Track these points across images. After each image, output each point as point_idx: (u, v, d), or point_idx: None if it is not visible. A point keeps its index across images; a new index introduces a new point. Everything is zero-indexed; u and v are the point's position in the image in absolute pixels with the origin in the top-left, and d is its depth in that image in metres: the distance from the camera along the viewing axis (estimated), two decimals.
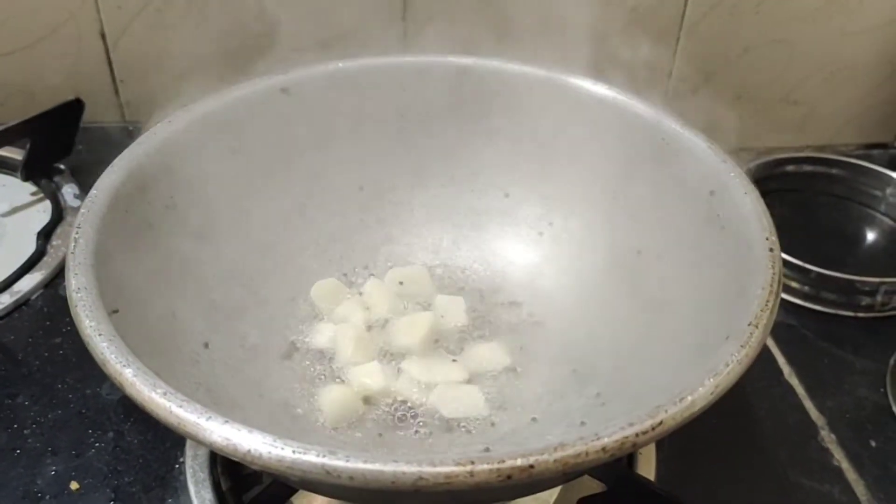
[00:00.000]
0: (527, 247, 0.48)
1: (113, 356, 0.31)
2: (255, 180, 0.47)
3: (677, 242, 0.41)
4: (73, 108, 0.61)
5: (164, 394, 0.29)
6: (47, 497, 0.42)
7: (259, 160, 0.47)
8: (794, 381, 0.57)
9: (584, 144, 0.46)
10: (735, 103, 0.82)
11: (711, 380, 0.29)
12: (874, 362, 0.58)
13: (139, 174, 0.40)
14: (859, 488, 0.50)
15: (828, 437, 0.53)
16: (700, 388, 0.29)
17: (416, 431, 0.40)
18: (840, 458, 0.52)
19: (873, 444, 0.53)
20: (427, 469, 0.27)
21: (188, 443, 0.45)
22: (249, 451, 0.28)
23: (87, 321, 0.32)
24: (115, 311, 0.34)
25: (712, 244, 0.39)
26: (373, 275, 0.48)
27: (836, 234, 0.72)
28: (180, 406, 0.29)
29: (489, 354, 0.44)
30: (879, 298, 0.61)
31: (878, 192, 0.73)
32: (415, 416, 0.41)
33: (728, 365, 0.30)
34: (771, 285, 0.33)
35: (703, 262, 0.39)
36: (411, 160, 0.50)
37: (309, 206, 0.48)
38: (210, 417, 0.28)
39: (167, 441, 0.45)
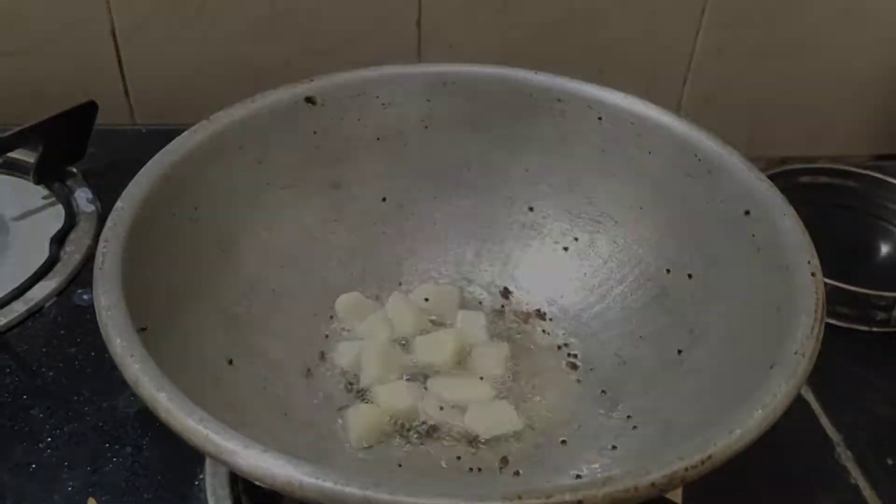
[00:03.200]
0: (551, 262, 0.48)
1: (146, 378, 0.30)
2: (277, 191, 0.46)
3: (710, 263, 0.41)
4: (87, 111, 0.60)
5: (201, 420, 0.28)
6: None
7: (281, 171, 0.46)
8: (810, 397, 0.57)
9: (613, 159, 0.46)
10: (748, 112, 0.82)
11: (760, 412, 0.29)
12: (890, 378, 0.58)
13: (164, 185, 0.40)
14: None
15: (844, 454, 0.53)
16: (749, 421, 0.29)
17: (444, 451, 0.40)
18: (857, 476, 0.51)
19: (890, 462, 0.52)
20: None
21: (208, 459, 0.44)
22: (289, 481, 0.27)
23: (119, 340, 0.31)
24: (143, 329, 0.34)
25: (747, 266, 0.38)
26: (399, 287, 0.48)
27: (850, 248, 0.72)
28: (217, 434, 0.28)
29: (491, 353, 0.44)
30: (895, 313, 0.61)
31: (892, 205, 0.73)
32: (442, 436, 0.40)
33: (776, 396, 0.29)
34: (815, 312, 0.33)
35: (738, 285, 0.39)
36: (434, 171, 0.49)
37: (330, 218, 0.48)
38: (248, 446, 0.28)
39: (186, 457, 0.44)
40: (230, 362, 0.40)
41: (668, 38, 0.77)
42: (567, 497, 0.26)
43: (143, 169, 0.40)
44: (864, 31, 0.78)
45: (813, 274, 0.34)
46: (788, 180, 0.73)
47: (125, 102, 0.74)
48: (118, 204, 0.37)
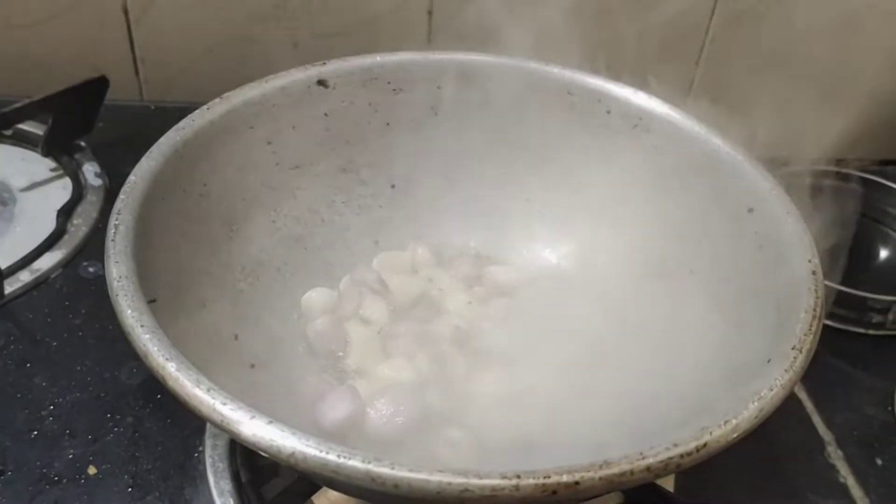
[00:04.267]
0: (556, 253, 0.48)
1: (155, 349, 0.30)
2: (286, 171, 0.46)
3: (712, 258, 0.41)
4: (98, 86, 0.61)
5: (208, 390, 0.29)
6: (64, 481, 0.42)
7: (291, 152, 0.46)
8: (803, 396, 0.57)
9: (620, 153, 0.46)
10: (754, 113, 0.82)
11: (756, 403, 0.29)
12: (883, 380, 0.58)
13: (176, 161, 0.40)
14: None
15: (834, 453, 0.54)
16: (744, 412, 0.29)
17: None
18: (846, 475, 0.52)
19: (879, 462, 0.53)
20: (473, 481, 0.26)
21: (208, 432, 0.44)
22: (293, 453, 0.28)
23: (129, 311, 0.32)
24: (153, 301, 0.34)
25: (749, 263, 0.39)
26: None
27: (850, 250, 0.72)
28: (224, 404, 0.29)
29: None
30: (891, 316, 0.62)
31: (892, 210, 0.73)
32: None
33: (772, 389, 0.30)
34: (814, 309, 0.33)
35: (739, 281, 0.39)
36: (442, 159, 0.49)
37: (338, 200, 0.48)
38: (254, 416, 0.28)
39: (186, 429, 0.45)
40: (236, 337, 0.41)
41: (677, 36, 0.77)
42: (565, 478, 0.27)
43: (155, 144, 0.40)
44: (873, 37, 0.78)
45: (813, 272, 0.35)
46: (790, 182, 0.73)
47: (134, 79, 0.74)
48: (131, 177, 0.38)
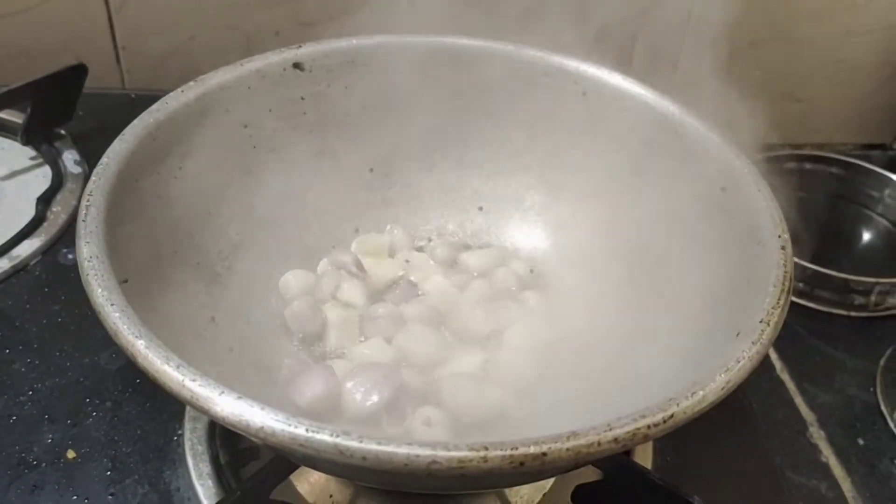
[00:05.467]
0: (533, 234, 0.48)
1: (125, 327, 0.30)
2: (262, 155, 0.46)
3: (686, 236, 0.41)
4: (76, 73, 0.60)
5: (178, 367, 0.29)
6: (43, 465, 0.42)
7: (268, 135, 0.46)
8: (786, 377, 0.58)
9: (596, 134, 0.46)
10: (737, 98, 0.82)
11: (723, 375, 0.30)
12: (865, 361, 0.59)
13: (150, 143, 0.40)
14: (846, 485, 0.50)
15: (817, 434, 0.54)
16: (711, 383, 0.29)
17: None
18: (828, 455, 0.53)
19: (861, 442, 0.53)
20: (441, 453, 0.27)
21: (187, 415, 0.44)
22: (262, 427, 0.28)
23: (99, 290, 0.32)
24: (125, 281, 0.34)
25: (722, 240, 0.39)
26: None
27: (833, 233, 0.73)
28: (193, 380, 0.29)
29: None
30: (873, 298, 0.62)
31: (875, 193, 0.74)
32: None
33: (740, 361, 0.30)
34: (783, 283, 0.33)
35: (712, 258, 0.39)
36: (420, 143, 0.49)
37: (315, 184, 0.48)
38: (223, 392, 0.28)
39: (165, 413, 0.45)
40: (213, 320, 0.41)
41: (661, 20, 0.77)
42: (532, 449, 0.27)
43: (128, 126, 0.40)
44: (856, 21, 0.78)
45: (783, 248, 0.35)
46: (774, 166, 0.74)
47: (116, 67, 0.74)
48: (103, 160, 0.38)
